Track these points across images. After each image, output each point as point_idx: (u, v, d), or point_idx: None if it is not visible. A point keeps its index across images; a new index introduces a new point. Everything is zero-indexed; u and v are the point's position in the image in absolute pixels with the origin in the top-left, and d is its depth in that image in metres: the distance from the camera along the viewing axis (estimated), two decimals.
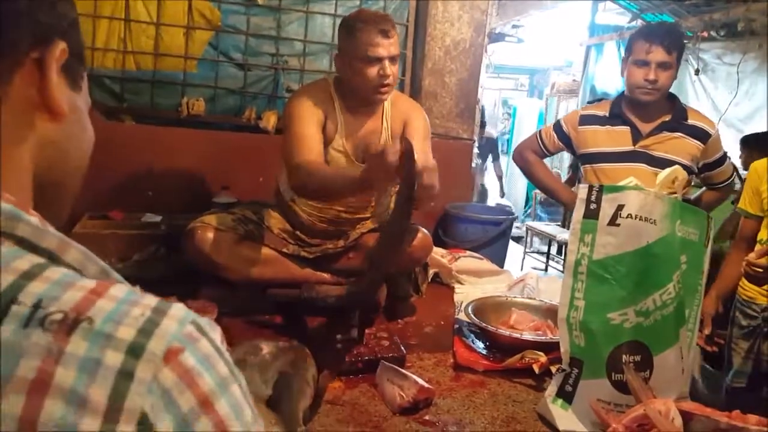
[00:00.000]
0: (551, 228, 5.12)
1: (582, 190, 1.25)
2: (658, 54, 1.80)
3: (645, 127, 1.89)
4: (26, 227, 0.40)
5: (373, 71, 1.62)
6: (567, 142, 2.01)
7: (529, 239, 5.50)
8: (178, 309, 0.40)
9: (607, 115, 1.94)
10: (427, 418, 1.24)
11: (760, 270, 1.43)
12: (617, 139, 1.91)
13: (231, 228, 1.74)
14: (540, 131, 2.11)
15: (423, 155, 1.64)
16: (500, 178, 6.44)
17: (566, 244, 4.61)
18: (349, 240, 1.86)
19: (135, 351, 0.36)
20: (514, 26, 5.86)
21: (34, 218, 0.41)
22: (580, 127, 1.97)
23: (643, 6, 5.25)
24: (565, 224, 5.00)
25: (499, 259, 2.44)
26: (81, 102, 0.51)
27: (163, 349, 0.37)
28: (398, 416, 1.24)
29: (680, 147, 1.86)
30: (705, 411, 1.07)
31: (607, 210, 1.22)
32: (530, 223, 5.62)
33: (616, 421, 1.08)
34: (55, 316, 0.36)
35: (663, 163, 1.79)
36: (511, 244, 4.99)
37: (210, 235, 1.69)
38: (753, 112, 4.20)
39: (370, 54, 1.60)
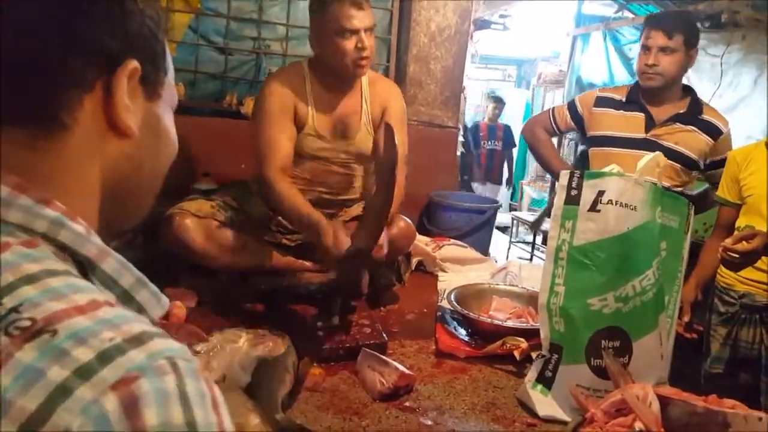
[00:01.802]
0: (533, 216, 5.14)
1: (563, 177, 1.24)
2: (658, 38, 1.80)
3: (659, 117, 1.89)
4: (68, 234, 0.41)
5: (350, 44, 1.61)
6: (579, 123, 2.02)
7: (514, 229, 5.52)
8: (163, 343, 0.37)
9: (624, 99, 1.94)
10: (407, 404, 1.23)
11: (736, 256, 1.44)
12: (630, 124, 1.90)
13: (210, 215, 1.71)
14: (553, 109, 2.13)
15: (402, 145, 1.69)
16: None
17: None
18: None
19: (83, 374, 0.34)
20: (501, 15, 5.84)
21: (80, 226, 0.42)
22: (594, 108, 1.97)
23: None
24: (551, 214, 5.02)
25: (483, 248, 2.43)
26: (160, 109, 0.51)
27: (117, 377, 0.35)
28: (378, 402, 1.24)
29: (691, 140, 1.86)
30: (682, 396, 1.08)
31: (587, 196, 1.21)
32: (516, 212, 5.65)
33: (594, 406, 1.08)
34: (22, 323, 0.35)
35: (671, 155, 1.79)
36: (497, 233, 5.02)
37: (188, 221, 1.66)
38: (736, 103, 4.23)
39: (345, 26, 1.59)
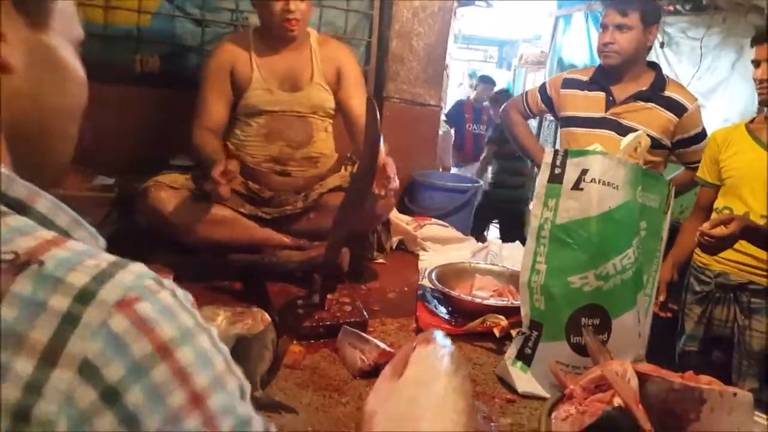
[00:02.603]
0: None
1: (547, 155, 1.23)
2: (613, 16, 1.82)
3: (620, 95, 1.89)
4: None
5: (276, 6, 1.67)
6: (549, 104, 2.04)
7: None
8: (138, 266, 0.40)
9: (588, 80, 1.95)
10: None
11: (713, 240, 1.46)
12: (591, 104, 1.91)
13: (185, 186, 1.68)
14: (527, 92, 2.16)
15: (359, 106, 1.77)
16: None
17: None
18: (308, 200, 1.81)
19: (84, 297, 0.35)
20: None
21: (2, 168, 0.41)
22: (562, 90, 1.99)
23: None
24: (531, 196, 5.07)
25: (464, 228, 2.44)
26: (53, 40, 0.47)
27: (116, 298, 0.36)
28: (359, 380, 1.23)
29: (652, 118, 1.85)
30: (660, 372, 1.09)
31: (571, 174, 1.21)
32: None
33: (573, 382, 1.09)
34: (6, 256, 0.35)
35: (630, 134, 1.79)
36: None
37: (164, 194, 1.63)
38: (715, 86, 4.27)
39: None
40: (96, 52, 2.21)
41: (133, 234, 1.71)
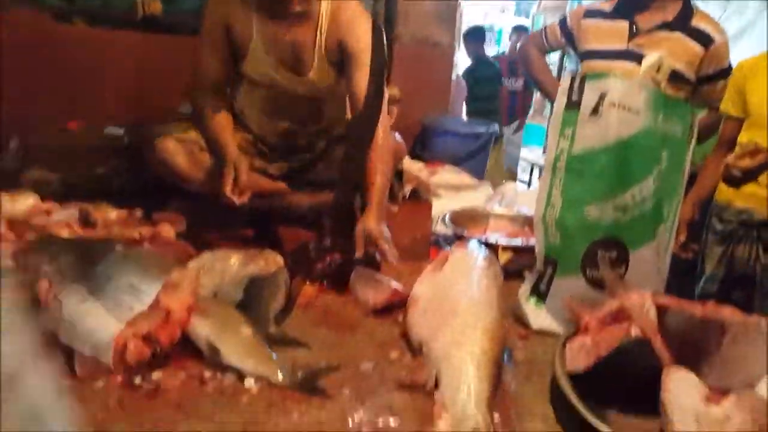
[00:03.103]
0: (534, 154, 5.08)
1: (564, 80, 1.18)
2: None
3: (644, 25, 1.78)
4: None
5: None
6: (569, 38, 1.95)
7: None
8: None
9: (611, 9, 1.85)
10: (400, 319, 1.22)
11: (739, 172, 1.40)
12: (614, 35, 1.81)
13: (195, 141, 1.65)
14: (545, 26, 2.06)
15: (360, 92, 1.50)
16: None
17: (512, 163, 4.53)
18: (316, 151, 1.78)
19: None
20: None
21: None
22: (583, 20, 1.90)
23: None
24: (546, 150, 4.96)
25: (479, 174, 2.39)
26: None
27: None
28: (372, 318, 1.23)
29: (677, 49, 1.73)
30: (680, 303, 1.06)
31: (589, 99, 1.16)
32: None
33: (589, 314, 1.07)
34: None
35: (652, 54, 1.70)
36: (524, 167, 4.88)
37: (172, 146, 1.61)
38: (744, 28, 4.08)
39: None
40: None
41: (146, 182, 1.71)
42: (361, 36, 1.55)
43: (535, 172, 5.17)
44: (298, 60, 1.61)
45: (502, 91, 4.79)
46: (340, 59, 1.59)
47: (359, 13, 1.61)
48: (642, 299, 1.05)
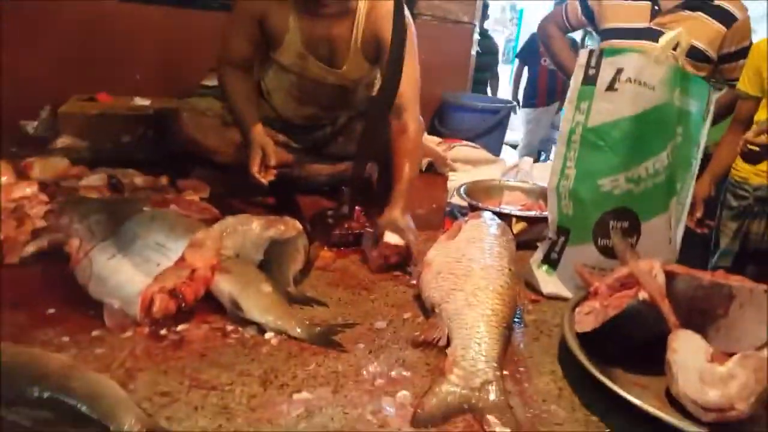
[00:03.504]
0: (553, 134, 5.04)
1: (581, 56, 1.19)
2: None
3: (666, 4, 1.79)
4: None
5: None
6: (590, 17, 1.95)
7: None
8: None
9: None
10: (414, 282, 1.26)
11: (757, 148, 1.40)
12: (636, 14, 1.82)
13: (219, 115, 1.70)
14: (566, 5, 2.05)
15: (408, 81, 1.50)
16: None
17: (552, 142, 4.48)
18: (337, 125, 1.81)
19: None
20: None
21: None
22: (604, 0, 1.89)
23: None
24: None
25: (495, 150, 2.41)
26: None
27: None
28: (388, 280, 1.27)
29: (698, 28, 1.74)
30: (689, 270, 1.08)
31: (605, 75, 1.17)
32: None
33: (598, 280, 1.09)
34: None
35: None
36: (509, 150, 4.89)
37: (197, 119, 1.66)
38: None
39: None
40: None
41: (170, 151, 1.76)
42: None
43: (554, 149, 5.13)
44: (333, 53, 1.63)
45: (540, 71, 4.56)
46: (376, 54, 1.62)
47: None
48: (650, 265, 1.07)
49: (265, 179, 1.48)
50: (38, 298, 1.06)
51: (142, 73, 2.19)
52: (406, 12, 1.47)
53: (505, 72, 5.89)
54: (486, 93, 4.39)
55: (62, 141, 1.76)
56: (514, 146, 5.20)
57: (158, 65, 2.21)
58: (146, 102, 2.07)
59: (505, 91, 5.40)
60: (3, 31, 2.06)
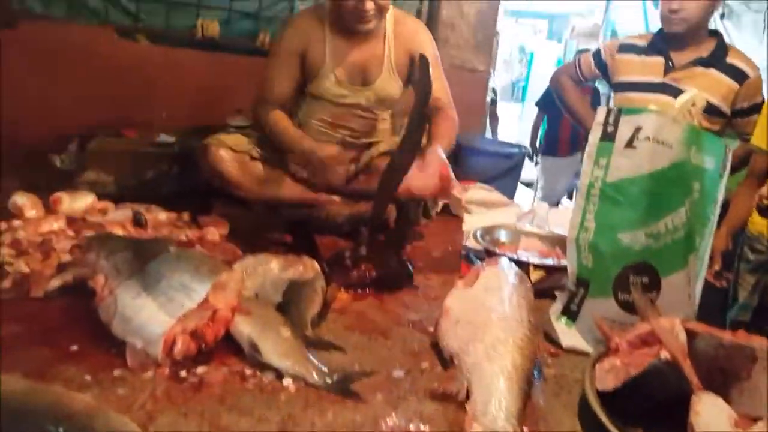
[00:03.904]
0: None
1: (599, 113, 1.22)
2: None
3: (679, 60, 1.84)
4: None
5: (350, 2, 1.58)
6: (603, 70, 2.00)
7: (539, 184, 5.45)
8: None
9: (646, 45, 1.90)
10: (430, 329, 1.26)
11: None
12: (649, 69, 1.86)
13: (245, 150, 1.74)
14: (579, 57, 2.12)
15: (442, 89, 1.72)
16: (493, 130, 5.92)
17: (576, 189, 4.48)
18: (360, 164, 1.85)
19: None
20: None
21: None
22: (618, 54, 1.96)
23: None
24: None
25: (509, 193, 2.43)
26: None
27: None
28: (405, 326, 1.27)
29: (712, 84, 1.79)
30: (710, 329, 1.08)
31: (624, 132, 1.20)
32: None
33: (619, 336, 1.09)
34: None
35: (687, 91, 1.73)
36: (522, 188, 4.88)
37: (224, 153, 1.70)
38: None
39: None
40: (161, 18, 2.30)
41: (192, 188, 1.80)
42: (425, 44, 1.74)
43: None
44: (365, 73, 1.74)
45: (564, 120, 4.28)
46: (406, 70, 1.75)
47: (419, 24, 1.83)
48: (672, 323, 1.07)
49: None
50: (62, 334, 1.07)
51: (169, 111, 2.25)
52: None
53: (514, 110, 6.00)
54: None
55: (88, 175, 1.80)
56: (528, 184, 5.19)
57: (184, 104, 2.28)
58: (171, 139, 2.13)
59: (507, 130, 5.46)
60: (35, 63, 2.14)
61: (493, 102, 5.05)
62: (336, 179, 1.49)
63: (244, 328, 1.08)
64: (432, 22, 2.48)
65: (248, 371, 1.03)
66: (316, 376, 1.01)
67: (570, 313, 1.26)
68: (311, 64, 1.72)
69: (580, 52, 2.36)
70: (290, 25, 1.75)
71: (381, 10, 1.62)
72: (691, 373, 0.97)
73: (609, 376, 1.01)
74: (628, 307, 1.20)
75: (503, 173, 2.39)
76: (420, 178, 1.44)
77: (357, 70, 1.74)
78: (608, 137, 1.21)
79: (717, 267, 1.67)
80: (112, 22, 2.22)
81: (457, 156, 2.48)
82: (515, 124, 7.20)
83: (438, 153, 1.49)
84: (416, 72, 1.41)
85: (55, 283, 1.22)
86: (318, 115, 1.80)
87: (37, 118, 2.06)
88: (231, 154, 1.70)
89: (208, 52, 2.34)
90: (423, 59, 1.34)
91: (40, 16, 2.18)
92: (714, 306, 1.78)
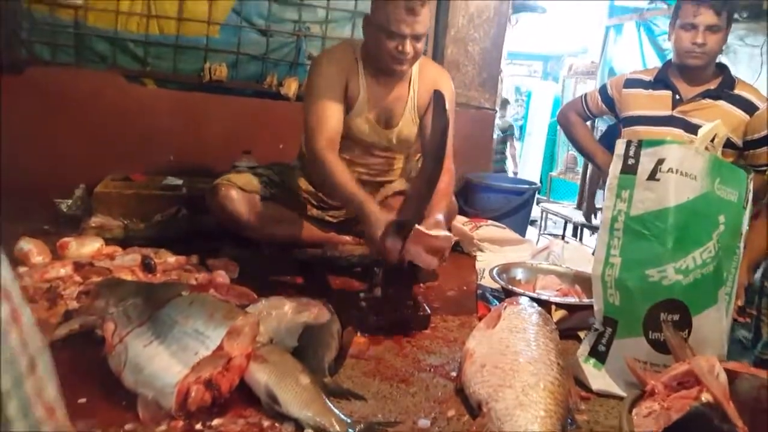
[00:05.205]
0: (567, 210, 5.05)
1: (619, 146, 1.21)
2: (707, 16, 1.75)
3: (687, 93, 1.85)
4: None
5: (391, 45, 1.57)
6: (610, 105, 2.01)
7: (543, 222, 5.44)
8: None
9: (652, 79, 1.92)
10: (453, 374, 1.21)
11: None
12: (657, 103, 1.87)
13: (256, 190, 1.72)
14: (586, 94, 2.14)
15: (449, 138, 1.60)
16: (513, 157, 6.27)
17: (582, 225, 4.46)
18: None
19: None
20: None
21: None
22: (624, 90, 1.96)
23: None
24: (580, 206, 4.92)
25: (521, 230, 2.40)
26: None
27: None
28: (426, 371, 1.22)
29: (721, 115, 1.78)
30: (750, 369, 1.03)
31: (646, 165, 1.18)
32: (546, 204, 5.56)
33: (654, 378, 1.04)
34: None
35: (698, 131, 1.73)
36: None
37: (234, 192, 1.68)
38: None
39: (392, 28, 1.54)
40: (168, 62, 2.33)
41: (201, 230, 1.77)
42: (446, 90, 1.66)
43: (569, 227, 5.13)
44: (391, 114, 1.74)
45: None
46: (427, 109, 1.72)
47: (443, 71, 1.84)
48: (710, 363, 1.02)
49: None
50: (69, 386, 1.01)
51: (177, 154, 2.25)
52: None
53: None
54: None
55: (95, 220, 1.77)
56: (532, 222, 5.19)
57: (192, 147, 2.27)
58: (179, 182, 2.11)
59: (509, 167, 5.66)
60: (42, 108, 2.14)
61: (512, 134, 5.71)
62: (393, 257, 1.41)
63: (261, 376, 1.03)
64: (437, 61, 2.52)
65: (266, 423, 0.98)
66: (338, 428, 0.95)
67: (598, 354, 1.21)
68: (351, 94, 1.70)
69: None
70: (329, 60, 1.71)
71: (417, 54, 1.62)
72: (735, 416, 0.92)
73: (648, 421, 0.96)
74: (661, 346, 1.15)
75: (514, 210, 2.37)
76: (417, 253, 1.38)
77: (384, 112, 1.73)
78: (630, 170, 1.19)
79: (740, 302, 1.62)
80: (119, 66, 2.24)
81: (467, 194, 2.47)
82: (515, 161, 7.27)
83: (436, 231, 1.41)
84: (432, 107, 1.39)
85: (62, 331, 1.17)
86: (340, 151, 1.75)
87: (44, 163, 2.05)
88: (241, 193, 1.68)
89: (216, 95, 2.35)
90: (437, 94, 1.33)
91: (48, 62, 2.20)
92: (738, 343, 1.72)
